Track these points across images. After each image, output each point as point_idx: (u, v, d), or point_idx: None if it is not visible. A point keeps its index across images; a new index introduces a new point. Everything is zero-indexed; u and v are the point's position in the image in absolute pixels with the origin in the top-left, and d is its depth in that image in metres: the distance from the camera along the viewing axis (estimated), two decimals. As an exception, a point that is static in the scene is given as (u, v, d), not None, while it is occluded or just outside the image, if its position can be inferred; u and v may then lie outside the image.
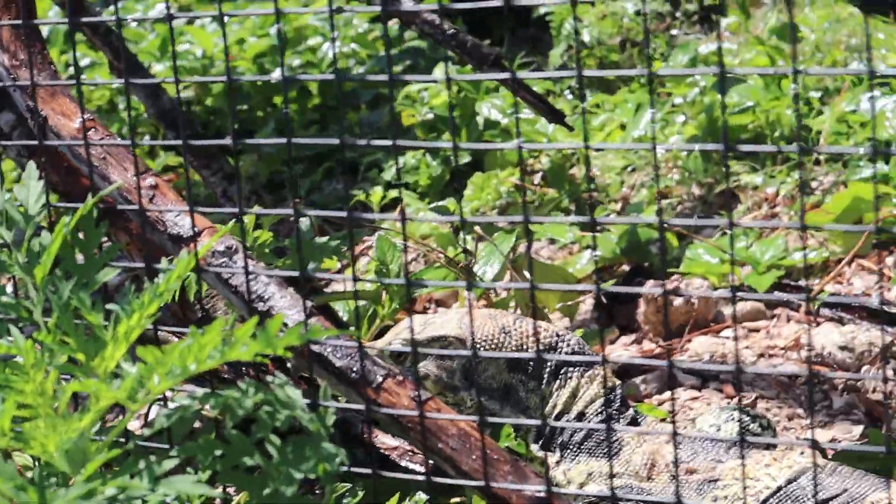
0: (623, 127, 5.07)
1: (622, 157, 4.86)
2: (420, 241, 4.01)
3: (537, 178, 4.87)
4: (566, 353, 2.90)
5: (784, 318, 4.01)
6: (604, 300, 4.17)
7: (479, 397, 2.91)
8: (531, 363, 2.89)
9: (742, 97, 4.78)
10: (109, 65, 4.05)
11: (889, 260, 4.18)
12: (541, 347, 2.91)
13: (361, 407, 2.25)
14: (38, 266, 2.18)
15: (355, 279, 2.13)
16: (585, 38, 5.68)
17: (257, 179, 5.28)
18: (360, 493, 2.52)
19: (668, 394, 3.51)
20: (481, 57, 3.72)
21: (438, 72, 5.24)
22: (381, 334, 3.79)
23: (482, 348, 2.89)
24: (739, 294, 4.12)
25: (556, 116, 3.71)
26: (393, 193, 4.94)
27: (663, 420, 3.40)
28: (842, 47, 5.27)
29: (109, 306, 2.10)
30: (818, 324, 3.94)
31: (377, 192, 4.98)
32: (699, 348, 3.78)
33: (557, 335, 2.91)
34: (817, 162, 4.65)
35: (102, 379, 2.06)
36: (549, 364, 2.89)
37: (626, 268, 4.44)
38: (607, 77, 5.65)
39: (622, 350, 3.90)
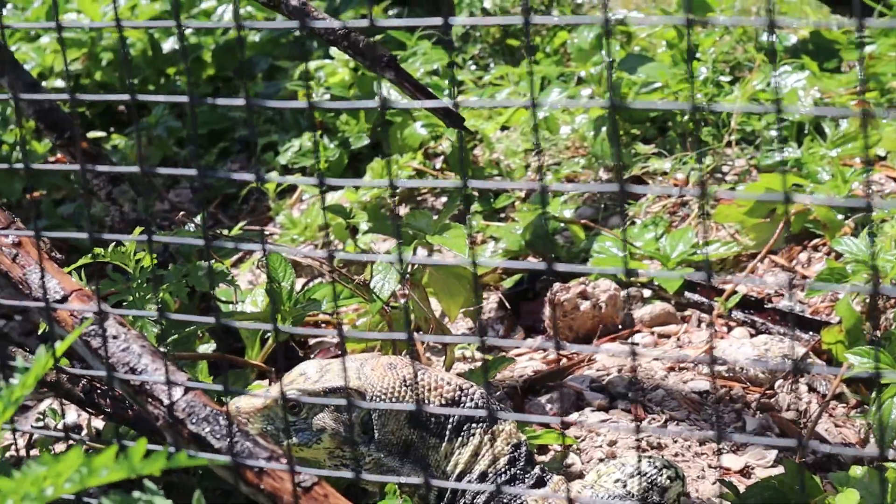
0: (523, 105, 4.89)
1: (526, 140, 4.68)
2: (312, 258, 3.82)
3: (439, 163, 4.68)
4: (469, 408, 2.75)
5: (695, 321, 3.88)
6: (506, 303, 4.01)
7: (379, 452, 2.74)
8: (433, 419, 2.73)
9: (649, 76, 4.62)
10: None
11: (802, 256, 4.05)
12: (443, 402, 2.75)
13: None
14: None
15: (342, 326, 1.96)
16: (487, 5, 5.47)
17: (149, 162, 5.05)
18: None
19: (574, 416, 3.37)
20: (374, 58, 3.53)
21: (333, 48, 5.01)
22: (277, 355, 3.62)
23: (382, 402, 2.72)
24: (648, 296, 3.99)
25: (456, 121, 3.53)
26: (290, 178, 4.73)
27: (569, 447, 3.26)
28: (753, 18, 5.11)
29: (-41, 411, 1.91)
30: (729, 328, 3.81)
31: (273, 176, 4.77)
32: (607, 361, 3.63)
33: (461, 389, 2.76)
34: (728, 145, 4.50)
35: (-49, 498, 1.87)
36: (451, 420, 2.73)
37: (532, 259, 4.29)
38: (511, 46, 5.47)
39: (527, 360, 3.75)
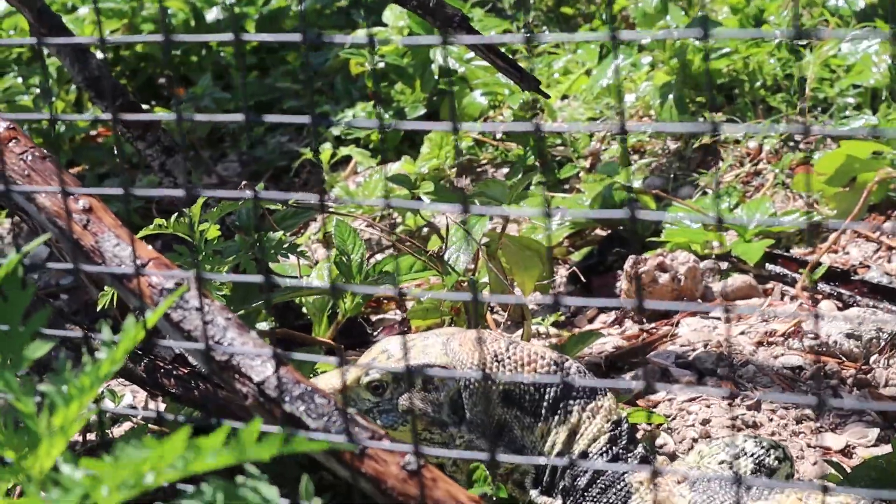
0: (588, 73, 4.71)
1: (590, 107, 4.50)
2: (384, 229, 3.64)
3: (499, 133, 4.50)
4: (566, 383, 2.56)
5: (778, 293, 3.69)
6: (580, 275, 3.83)
7: (471, 434, 2.56)
8: (527, 396, 2.55)
9: (718, 42, 4.42)
10: (30, 28, 3.62)
11: (887, 225, 3.86)
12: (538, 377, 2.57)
13: None
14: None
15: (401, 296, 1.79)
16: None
17: (196, 133, 4.88)
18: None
19: (662, 394, 3.19)
20: (445, 18, 3.35)
21: (388, 13, 4.83)
22: (344, 331, 3.45)
23: (473, 379, 2.54)
24: (726, 269, 3.80)
25: (531, 83, 3.35)
26: (343, 151, 4.55)
27: (660, 426, 3.08)
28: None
29: (43, 387, 1.74)
30: (815, 301, 3.63)
31: (326, 148, 4.59)
32: (690, 335, 3.45)
33: (556, 363, 2.57)
34: (801, 112, 4.31)
35: (37, 483, 1.70)
36: (546, 397, 2.55)
37: (599, 232, 4.11)
38: (566, 13, 5.28)
39: (605, 335, 3.56)
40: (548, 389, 2.57)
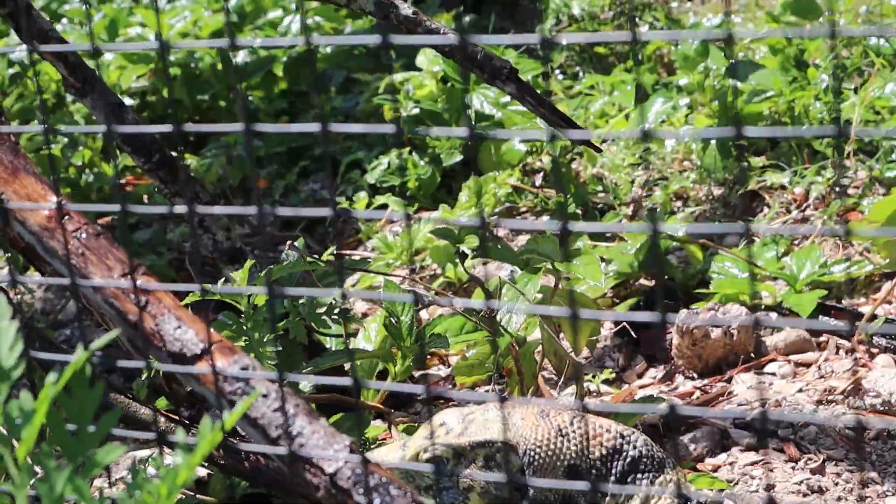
0: (626, 115, 4.62)
1: (631, 153, 4.41)
2: (435, 289, 3.55)
3: (538, 179, 4.41)
4: (633, 457, 2.48)
5: (833, 346, 3.60)
6: (630, 330, 3.74)
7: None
8: (593, 471, 2.46)
9: (761, 83, 4.33)
10: (63, 81, 3.54)
11: (942, 275, 3.77)
12: (604, 452, 2.48)
13: None
14: (19, 440, 1.71)
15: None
16: (575, 11, 5.20)
17: (226, 182, 4.79)
18: None
19: (722, 456, 3.09)
20: (493, 70, 3.27)
21: (421, 57, 4.75)
22: (392, 393, 3.36)
23: (537, 455, 2.46)
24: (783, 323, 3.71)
25: (581, 136, 3.27)
26: (380, 199, 4.46)
27: (723, 491, 2.99)
28: (859, 21, 4.82)
29: (116, 496, 1.65)
30: (872, 355, 3.54)
31: (361, 197, 4.51)
32: (746, 393, 3.36)
33: (622, 436, 2.48)
34: (847, 156, 4.22)
35: None
36: (613, 471, 2.46)
37: (644, 282, 4.01)
38: (599, 53, 5.19)
39: (656, 393, 3.47)
40: (615, 464, 2.48)
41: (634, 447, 2.50)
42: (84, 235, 2.23)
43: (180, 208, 1.77)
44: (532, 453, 2.47)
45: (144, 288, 2.15)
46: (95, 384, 1.74)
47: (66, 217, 2.24)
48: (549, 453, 2.46)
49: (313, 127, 1.73)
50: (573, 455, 2.46)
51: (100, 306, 2.18)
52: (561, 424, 2.51)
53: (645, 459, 2.48)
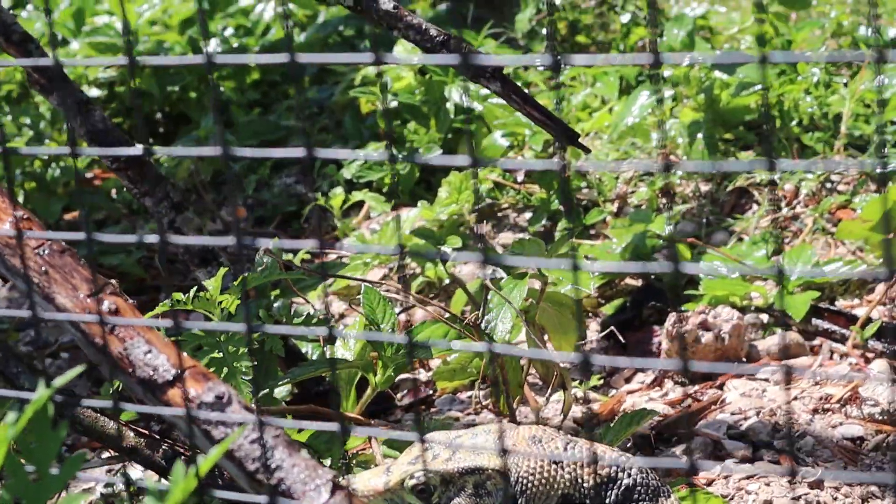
0: (609, 108, 4.49)
1: (614, 148, 4.28)
2: (416, 296, 3.41)
3: (521, 176, 4.28)
4: (627, 486, 2.35)
5: (827, 351, 3.48)
6: (618, 334, 3.61)
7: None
8: (587, 501, 2.33)
9: (750, 77, 4.20)
10: (28, 77, 3.39)
11: (938, 276, 3.65)
12: (598, 480, 2.36)
13: None
14: (-25, 486, 1.58)
15: None
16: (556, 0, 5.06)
17: (198, 175, 4.64)
18: None
19: (717, 469, 2.97)
20: (477, 68, 3.13)
21: (399, 48, 4.60)
22: (373, 403, 3.23)
23: (530, 484, 2.33)
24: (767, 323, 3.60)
25: (570, 137, 3.14)
26: (357, 195, 4.32)
27: (718, 508, 2.86)
28: (847, 10, 4.70)
29: (80, 547, 1.51)
30: (867, 360, 3.42)
31: (337, 193, 4.36)
32: (740, 401, 3.24)
33: (617, 464, 2.36)
34: (837, 151, 4.10)
35: None
36: (608, 501, 2.34)
37: (630, 282, 3.89)
38: (581, 42, 5.06)
39: (646, 400, 3.35)
40: (609, 493, 2.37)
41: (629, 475, 2.38)
42: (47, 252, 2.09)
43: (151, 238, 1.63)
44: (524, 481, 2.34)
45: (112, 309, 2.02)
46: (59, 424, 1.60)
47: (29, 230, 2.10)
48: (542, 482, 2.34)
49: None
50: (566, 484, 2.34)
51: (65, 328, 2.04)
52: (554, 450, 2.39)
53: (640, 488, 2.36)
